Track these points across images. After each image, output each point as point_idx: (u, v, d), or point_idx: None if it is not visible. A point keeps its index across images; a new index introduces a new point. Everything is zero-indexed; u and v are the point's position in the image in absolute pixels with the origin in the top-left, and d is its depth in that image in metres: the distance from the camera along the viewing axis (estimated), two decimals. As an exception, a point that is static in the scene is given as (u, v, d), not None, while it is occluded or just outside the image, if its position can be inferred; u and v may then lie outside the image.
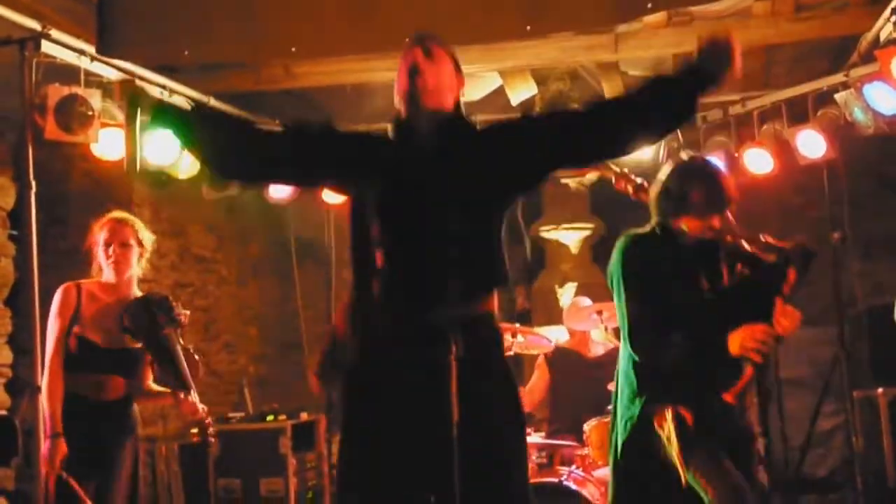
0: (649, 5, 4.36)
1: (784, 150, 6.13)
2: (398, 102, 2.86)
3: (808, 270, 3.40)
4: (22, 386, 5.19)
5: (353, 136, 2.98)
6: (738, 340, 3.29)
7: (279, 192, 6.35)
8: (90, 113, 4.59)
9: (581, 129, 2.83)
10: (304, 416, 6.39)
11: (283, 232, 7.57)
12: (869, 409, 5.97)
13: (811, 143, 5.96)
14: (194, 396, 4.09)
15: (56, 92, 4.54)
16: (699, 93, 2.70)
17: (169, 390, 4.15)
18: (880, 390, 5.81)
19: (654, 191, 3.64)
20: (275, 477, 6.02)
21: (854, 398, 6.07)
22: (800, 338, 6.97)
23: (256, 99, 6.54)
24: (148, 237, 4.26)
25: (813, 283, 7.04)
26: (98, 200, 6.25)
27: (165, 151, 5.25)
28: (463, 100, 2.93)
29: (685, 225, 3.52)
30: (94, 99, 4.66)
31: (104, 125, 4.80)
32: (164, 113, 2.91)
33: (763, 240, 3.48)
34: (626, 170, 3.98)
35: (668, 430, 3.40)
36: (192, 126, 2.90)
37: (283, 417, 6.17)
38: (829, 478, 6.73)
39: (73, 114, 4.55)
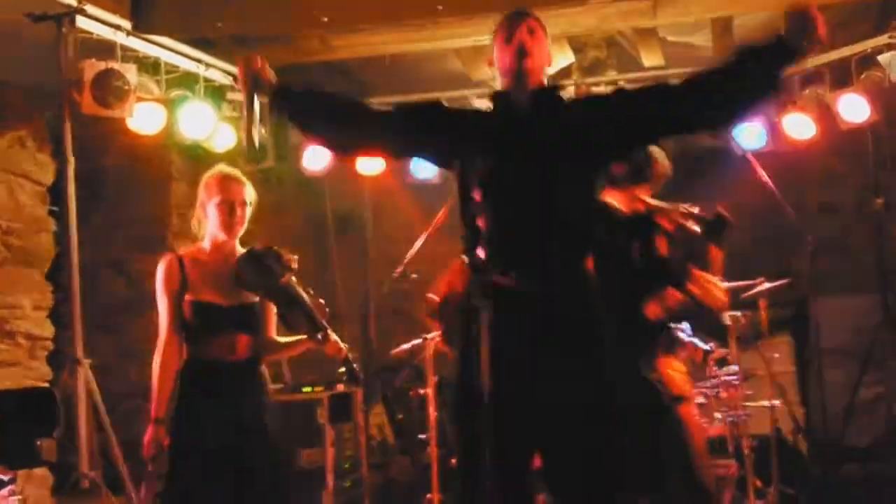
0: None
1: (826, 114, 6.01)
2: (501, 77, 2.99)
3: (722, 238, 3.54)
4: (63, 359, 5.26)
5: (458, 112, 3.15)
6: (654, 305, 3.57)
7: (315, 163, 6.36)
8: (126, 87, 4.62)
9: (675, 100, 2.91)
10: (340, 387, 6.41)
11: (319, 204, 7.59)
12: (912, 378, 5.90)
13: (854, 107, 5.84)
14: (333, 335, 3.92)
15: (92, 67, 4.57)
16: (786, 65, 2.72)
17: (305, 337, 3.94)
18: (922, 358, 5.74)
19: None
20: (313, 447, 6.05)
21: (894, 367, 6.00)
22: (840, 306, 6.98)
23: (293, 71, 6.53)
24: (253, 196, 4.04)
25: (857, 249, 7.02)
26: (136, 175, 6.30)
27: (201, 124, 5.27)
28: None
29: (611, 198, 3.68)
30: (130, 73, 4.69)
31: (140, 99, 4.83)
32: (283, 95, 3.05)
33: (688, 211, 3.62)
34: None
35: None
36: (311, 108, 3.09)
37: (319, 388, 6.20)
38: (871, 447, 6.66)
39: (109, 88, 4.58)
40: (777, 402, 5.65)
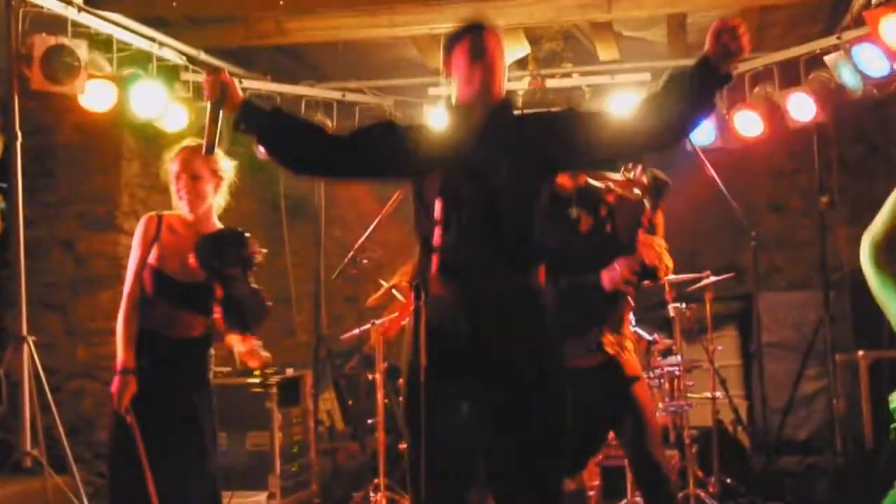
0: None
1: (775, 113, 6.12)
2: (461, 87, 2.96)
3: (662, 200, 3.60)
4: (7, 337, 5.20)
5: (411, 130, 3.11)
6: (608, 276, 3.66)
7: (269, 148, 6.34)
8: (76, 64, 4.58)
9: (619, 131, 2.94)
10: (289, 371, 6.41)
11: (272, 189, 7.56)
12: (851, 373, 6.02)
13: (802, 107, 5.95)
14: (254, 343, 3.74)
15: (42, 42, 4.52)
16: (715, 87, 2.74)
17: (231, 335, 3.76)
18: (861, 353, 5.85)
19: None
20: (261, 430, 6.05)
21: (836, 361, 6.12)
22: (785, 301, 7.11)
23: (247, 54, 6.51)
24: (226, 166, 3.94)
25: (801, 246, 7.15)
26: (86, 153, 6.23)
27: (152, 104, 5.23)
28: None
29: None
30: (81, 50, 4.64)
31: (91, 76, 4.78)
32: (248, 115, 3.01)
33: (625, 178, 3.67)
34: None
35: None
36: (275, 133, 3.06)
37: (269, 372, 6.19)
38: (809, 441, 6.80)
39: (59, 64, 4.53)
40: (719, 395, 5.76)
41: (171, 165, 3.85)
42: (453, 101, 3.01)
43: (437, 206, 2.81)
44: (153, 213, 3.89)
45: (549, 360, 2.88)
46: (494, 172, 2.84)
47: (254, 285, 3.75)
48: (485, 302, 2.80)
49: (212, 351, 3.93)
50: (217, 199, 3.92)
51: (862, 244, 2.43)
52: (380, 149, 3.03)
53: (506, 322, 2.81)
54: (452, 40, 2.97)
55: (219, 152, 3.75)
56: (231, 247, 3.67)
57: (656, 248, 3.71)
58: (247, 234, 3.77)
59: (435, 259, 2.80)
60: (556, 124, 3.01)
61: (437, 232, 2.80)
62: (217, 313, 3.73)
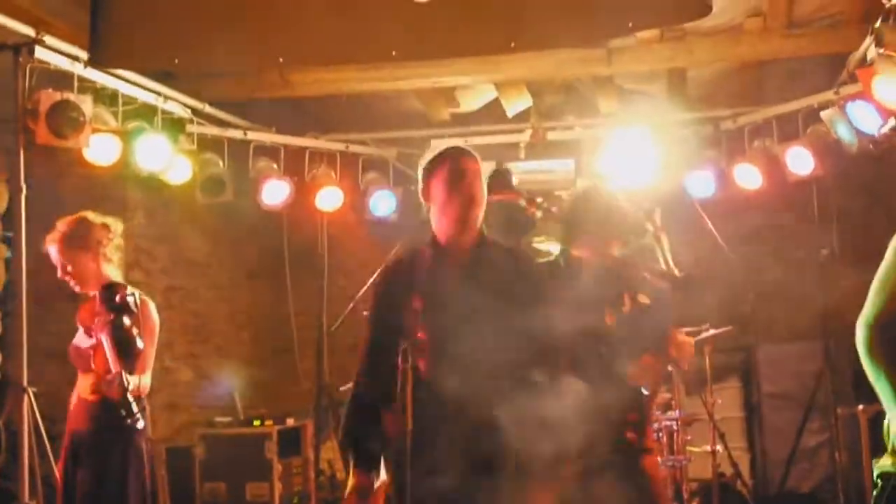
0: (630, 24, 4.39)
1: (774, 166, 6.16)
2: (440, 218, 2.96)
3: (691, 295, 3.50)
4: (8, 387, 5.23)
5: (392, 307, 2.99)
6: (634, 370, 3.37)
7: (274, 198, 6.41)
8: (81, 119, 4.66)
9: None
10: (290, 421, 6.43)
11: (277, 238, 7.62)
12: (853, 426, 5.99)
13: (800, 160, 6.00)
14: (121, 377, 3.93)
15: (48, 97, 4.60)
16: None
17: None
18: (860, 407, 5.83)
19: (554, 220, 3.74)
20: (260, 481, 6.06)
21: (838, 414, 6.10)
22: (786, 352, 7.09)
23: (251, 105, 6.61)
24: (100, 227, 4.23)
25: (802, 298, 7.15)
26: (91, 205, 6.26)
27: (157, 156, 5.30)
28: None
29: (580, 252, 3.57)
30: (86, 105, 4.73)
31: (95, 130, 4.86)
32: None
33: (657, 268, 3.59)
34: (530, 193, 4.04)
35: None
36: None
37: (269, 422, 6.22)
38: (812, 493, 6.75)
39: (64, 119, 4.62)
40: (719, 448, 5.74)
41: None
42: (434, 231, 2.99)
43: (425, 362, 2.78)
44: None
45: None
46: (476, 311, 2.80)
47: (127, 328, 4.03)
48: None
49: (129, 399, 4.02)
50: (109, 257, 4.25)
51: (857, 329, 2.36)
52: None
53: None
54: (434, 163, 2.97)
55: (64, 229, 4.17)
56: (104, 296, 3.99)
57: (682, 344, 3.54)
58: (121, 284, 4.10)
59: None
60: (534, 280, 3.00)
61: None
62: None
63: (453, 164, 2.94)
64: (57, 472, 4.10)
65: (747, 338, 6.84)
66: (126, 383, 3.92)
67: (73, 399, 4.25)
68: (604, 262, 3.55)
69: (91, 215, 4.25)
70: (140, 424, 4.05)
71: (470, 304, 2.83)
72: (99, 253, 4.18)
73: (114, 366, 3.95)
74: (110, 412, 4.05)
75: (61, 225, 4.18)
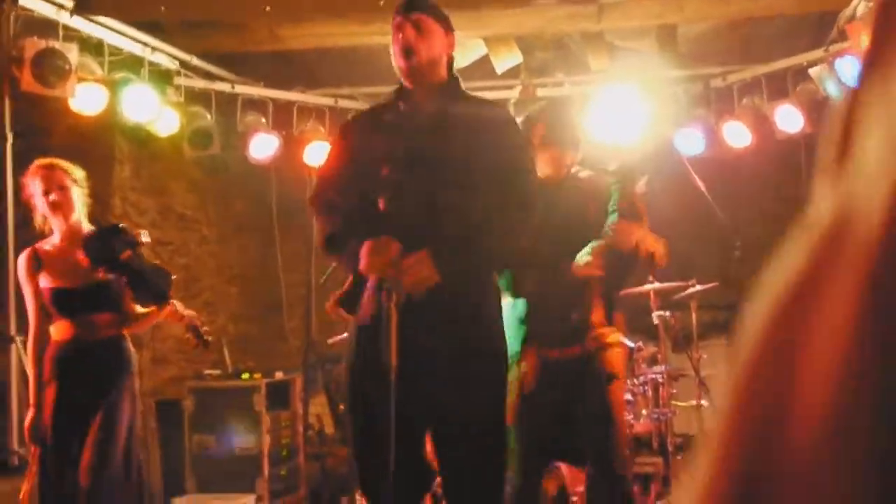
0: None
1: (762, 124, 6.18)
2: (398, 74, 3.01)
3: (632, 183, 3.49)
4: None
5: (358, 136, 3.09)
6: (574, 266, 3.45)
7: (262, 152, 6.40)
8: (67, 67, 4.63)
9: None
10: (279, 374, 6.46)
11: (265, 193, 7.61)
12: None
13: (789, 118, 6.01)
14: (176, 304, 4.12)
15: (33, 45, 4.57)
16: None
17: (154, 307, 4.16)
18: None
19: None
20: (249, 434, 6.09)
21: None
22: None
23: (239, 58, 6.57)
24: (80, 174, 4.20)
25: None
26: (79, 156, 6.26)
27: (144, 107, 5.28)
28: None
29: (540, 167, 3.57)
30: (72, 53, 4.70)
31: (81, 80, 4.83)
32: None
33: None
34: None
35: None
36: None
37: (258, 375, 6.24)
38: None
39: (49, 67, 4.59)
40: (704, 402, 5.79)
41: (32, 184, 4.11)
42: (402, 87, 3.02)
43: (384, 201, 2.85)
44: (27, 248, 4.18)
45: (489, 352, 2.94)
46: (435, 157, 2.89)
47: (149, 261, 4.15)
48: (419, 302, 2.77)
49: (130, 346, 4.20)
50: (82, 207, 4.20)
51: None
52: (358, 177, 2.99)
53: (442, 322, 2.82)
54: (394, 22, 2.97)
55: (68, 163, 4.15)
56: (114, 237, 3.92)
57: (633, 234, 3.47)
58: (121, 224, 4.15)
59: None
60: (496, 141, 2.98)
61: (385, 227, 2.84)
62: (131, 304, 4.15)
63: (396, 19, 2.96)
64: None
65: (733, 295, 6.87)
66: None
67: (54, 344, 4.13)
68: (559, 174, 3.64)
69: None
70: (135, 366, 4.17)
71: (430, 149, 2.91)
72: (81, 195, 4.17)
73: (145, 302, 4.08)
74: (119, 352, 4.13)
75: (68, 168, 4.15)
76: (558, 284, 3.52)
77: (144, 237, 4.06)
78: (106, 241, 3.98)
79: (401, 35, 2.91)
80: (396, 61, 2.96)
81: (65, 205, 4.06)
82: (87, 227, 4.15)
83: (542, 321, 3.54)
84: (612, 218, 3.43)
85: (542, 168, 3.55)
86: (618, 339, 3.75)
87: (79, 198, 4.14)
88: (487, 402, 2.89)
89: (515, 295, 3.60)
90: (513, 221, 2.92)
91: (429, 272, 2.75)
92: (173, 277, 4.17)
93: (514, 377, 3.46)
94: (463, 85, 3.11)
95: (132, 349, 4.22)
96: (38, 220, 4.18)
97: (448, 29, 3.03)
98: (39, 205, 4.10)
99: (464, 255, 2.85)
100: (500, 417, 2.94)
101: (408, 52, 2.89)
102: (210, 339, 4.23)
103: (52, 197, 4.02)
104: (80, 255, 4.00)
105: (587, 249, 3.44)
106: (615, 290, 3.82)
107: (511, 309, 3.56)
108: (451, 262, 2.80)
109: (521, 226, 2.95)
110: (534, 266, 3.49)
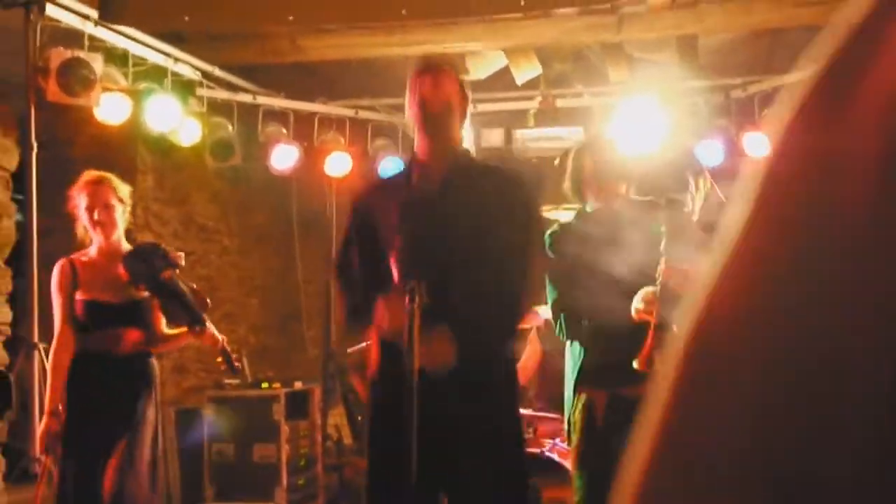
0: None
1: (783, 134, 6.14)
2: (410, 128, 3.09)
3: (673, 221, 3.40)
4: (20, 344, 5.28)
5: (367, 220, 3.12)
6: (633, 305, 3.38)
7: (283, 163, 6.43)
8: (92, 77, 4.67)
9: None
10: (298, 384, 6.47)
11: (285, 204, 7.65)
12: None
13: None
14: (211, 327, 4.16)
15: (59, 55, 4.62)
16: None
17: (185, 329, 4.19)
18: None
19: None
20: (268, 443, 6.11)
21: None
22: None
23: (260, 69, 6.61)
24: (125, 190, 4.25)
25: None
26: (102, 166, 6.31)
27: (167, 117, 5.32)
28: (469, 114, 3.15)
29: (591, 200, 3.67)
30: (97, 63, 4.74)
31: (106, 89, 4.87)
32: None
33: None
34: None
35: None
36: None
37: (277, 385, 6.26)
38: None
39: (75, 77, 4.63)
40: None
41: (79, 197, 4.18)
42: (414, 149, 3.09)
43: (398, 271, 2.92)
44: (63, 258, 4.22)
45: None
46: (445, 232, 2.93)
47: (187, 283, 4.18)
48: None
49: (155, 362, 4.28)
50: (123, 224, 4.27)
51: None
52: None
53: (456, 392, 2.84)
54: (412, 79, 3.02)
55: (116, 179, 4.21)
56: (155, 256, 3.97)
57: (682, 279, 3.35)
58: (159, 243, 4.29)
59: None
60: (504, 211, 3.00)
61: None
62: (160, 324, 4.22)
63: (413, 77, 3.01)
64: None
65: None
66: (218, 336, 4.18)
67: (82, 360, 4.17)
68: (612, 205, 3.61)
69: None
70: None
71: (440, 219, 2.94)
72: (124, 212, 4.22)
73: (179, 324, 4.15)
74: (144, 367, 4.18)
75: (101, 174, 4.20)
76: (616, 323, 3.42)
77: (182, 260, 4.12)
78: (148, 259, 4.04)
79: (417, 91, 2.97)
80: (410, 114, 3.02)
81: (108, 224, 4.13)
82: (125, 244, 4.23)
83: (604, 361, 3.50)
84: (661, 264, 3.35)
85: (595, 198, 3.64)
86: None
87: (121, 216, 4.20)
88: (503, 463, 2.95)
89: (571, 338, 3.60)
90: (513, 301, 3.00)
91: (448, 349, 2.81)
92: (209, 301, 4.21)
93: (576, 418, 3.51)
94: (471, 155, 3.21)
95: (156, 365, 4.29)
96: (79, 231, 4.25)
97: (464, 94, 3.07)
98: (83, 217, 4.16)
99: (475, 330, 2.88)
100: (518, 476, 3.02)
101: (423, 105, 2.94)
102: (239, 366, 4.28)
103: (97, 215, 4.09)
104: (120, 271, 4.06)
105: (640, 297, 3.38)
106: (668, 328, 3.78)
107: (569, 353, 3.61)
108: (464, 337, 2.84)
109: (519, 307, 3.07)
110: (590, 311, 3.44)
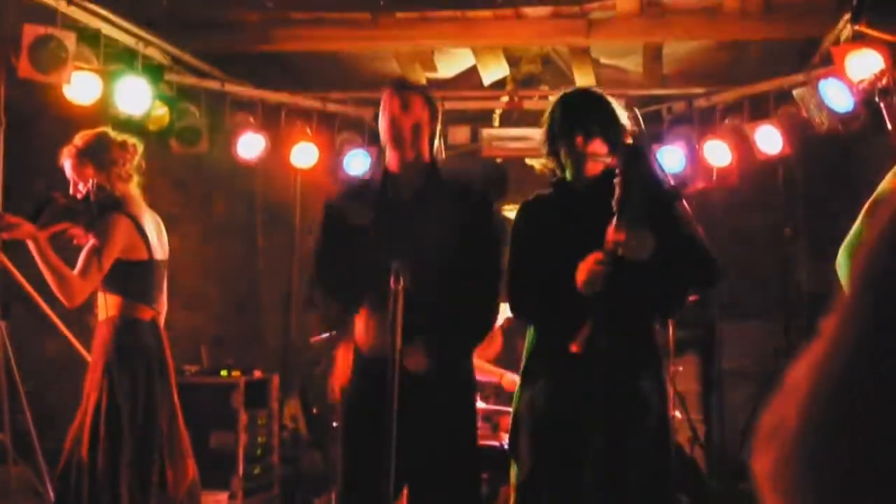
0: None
1: (743, 144, 6.28)
2: (383, 145, 3.25)
3: (636, 168, 3.00)
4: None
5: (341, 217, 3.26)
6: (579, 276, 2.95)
7: (248, 152, 6.42)
8: (64, 54, 4.64)
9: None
10: (257, 373, 6.47)
11: (249, 193, 7.63)
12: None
13: (769, 139, 6.12)
14: None
15: (31, 31, 4.58)
16: None
17: None
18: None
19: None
20: (225, 430, 6.10)
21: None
22: (747, 330, 7.24)
23: (229, 58, 6.60)
24: (117, 146, 4.08)
25: (765, 276, 7.31)
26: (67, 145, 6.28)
27: (138, 101, 5.30)
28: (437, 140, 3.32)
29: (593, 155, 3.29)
30: (69, 41, 4.71)
31: (77, 68, 4.85)
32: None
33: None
34: None
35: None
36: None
37: (236, 373, 6.26)
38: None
39: (47, 54, 4.60)
40: (678, 414, 5.88)
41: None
42: (385, 162, 3.26)
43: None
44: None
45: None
46: (419, 239, 3.08)
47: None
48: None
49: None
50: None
51: (838, 260, 2.39)
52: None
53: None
54: (384, 98, 3.20)
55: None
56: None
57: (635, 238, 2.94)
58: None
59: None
60: (470, 220, 3.20)
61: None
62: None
63: (385, 97, 3.19)
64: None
65: (708, 314, 6.98)
66: None
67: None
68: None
69: (111, 132, 4.10)
70: None
71: (413, 229, 3.12)
72: (112, 173, 4.01)
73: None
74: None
75: (78, 139, 4.01)
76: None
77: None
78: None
79: (386, 110, 3.15)
80: (382, 133, 3.18)
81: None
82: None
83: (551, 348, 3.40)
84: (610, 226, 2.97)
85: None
86: None
87: (104, 178, 4.02)
88: (459, 455, 3.17)
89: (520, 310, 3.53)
90: (478, 312, 3.22)
91: (423, 359, 3.03)
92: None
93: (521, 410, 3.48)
94: (441, 167, 3.35)
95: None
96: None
97: (434, 114, 3.24)
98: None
99: (444, 340, 3.09)
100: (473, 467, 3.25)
101: (392, 123, 3.12)
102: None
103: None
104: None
105: (581, 266, 3.05)
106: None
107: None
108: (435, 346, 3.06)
109: (484, 318, 3.26)
110: None
